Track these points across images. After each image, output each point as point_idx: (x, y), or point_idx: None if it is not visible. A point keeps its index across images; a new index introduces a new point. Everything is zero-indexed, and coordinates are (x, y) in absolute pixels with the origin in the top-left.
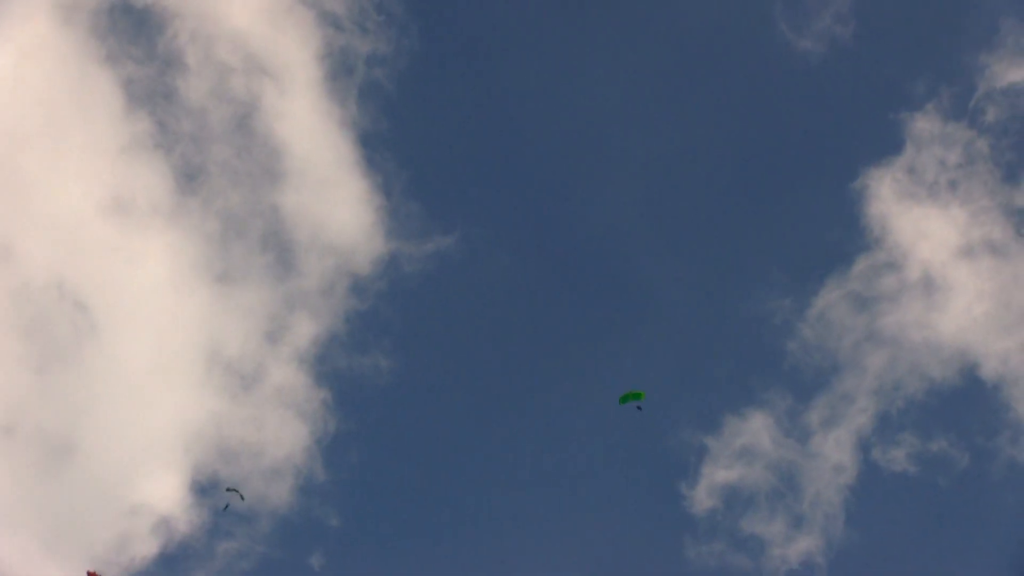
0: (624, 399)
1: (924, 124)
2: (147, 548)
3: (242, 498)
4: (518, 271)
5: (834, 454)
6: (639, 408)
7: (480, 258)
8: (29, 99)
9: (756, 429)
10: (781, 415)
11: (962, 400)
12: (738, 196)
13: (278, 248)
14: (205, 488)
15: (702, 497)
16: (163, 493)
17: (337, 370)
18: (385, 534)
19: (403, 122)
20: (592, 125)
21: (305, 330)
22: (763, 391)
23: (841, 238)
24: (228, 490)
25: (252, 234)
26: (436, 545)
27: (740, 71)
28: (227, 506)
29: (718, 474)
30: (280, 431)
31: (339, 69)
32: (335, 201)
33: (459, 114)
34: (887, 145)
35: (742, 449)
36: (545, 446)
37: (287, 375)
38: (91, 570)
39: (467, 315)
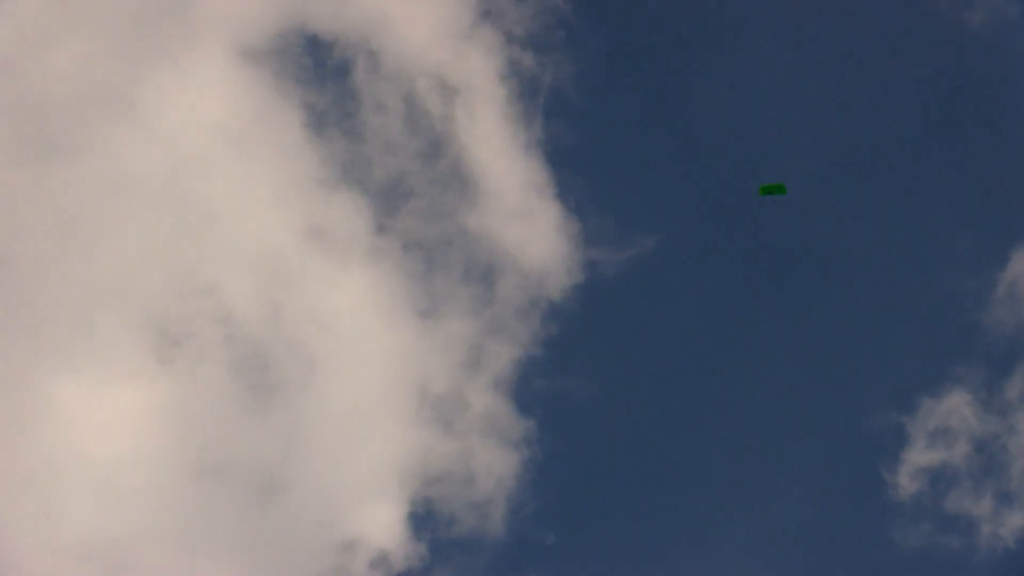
0: (764, 190)
1: None
2: None
3: None
4: (707, 272)
5: None
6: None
7: (674, 265)
8: (215, 135)
9: (954, 407)
10: (979, 390)
11: None
12: (916, 175)
13: (477, 276)
14: (422, 520)
15: (905, 481)
16: (379, 527)
17: (539, 394)
18: (599, 548)
19: (591, 138)
20: (776, 117)
21: (506, 357)
22: (957, 368)
23: None
24: None
25: (451, 263)
26: (647, 548)
27: (910, 46)
28: None
29: (918, 456)
30: (489, 459)
31: (524, 89)
32: (529, 222)
33: (646, 125)
34: None
35: (942, 428)
36: (747, 446)
37: (492, 404)
38: None
39: (665, 323)
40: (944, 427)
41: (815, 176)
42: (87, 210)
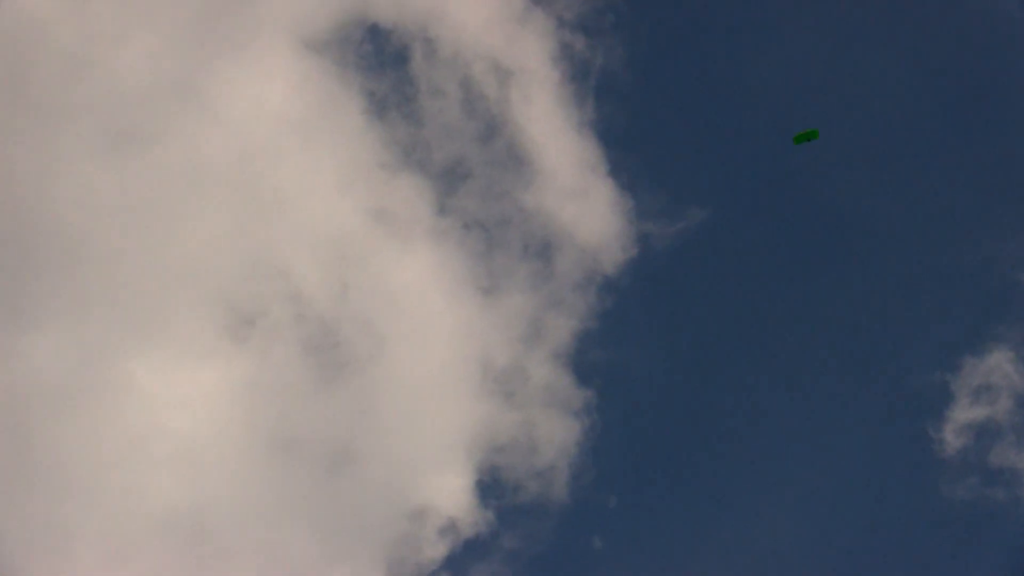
0: (798, 139)
1: None
2: (436, 549)
3: None
4: (755, 241)
5: None
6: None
7: (723, 236)
8: (281, 122)
9: (996, 365)
10: (1020, 348)
11: None
12: (958, 140)
13: (534, 253)
14: (488, 487)
15: (950, 437)
16: (448, 496)
17: (597, 365)
18: (659, 509)
19: (641, 116)
20: (825, 91)
21: (565, 330)
22: (998, 327)
23: None
24: None
25: (509, 241)
26: (703, 506)
27: (939, 32)
28: None
29: (963, 413)
30: (551, 428)
31: (576, 71)
32: (583, 199)
33: (693, 102)
34: None
35: (985, 385)
36: (798, 408)
37: (552, 376)
38: None
39: (715, 292)
40: (987, 384)
41: (861, 145)
42: (163, 197)
